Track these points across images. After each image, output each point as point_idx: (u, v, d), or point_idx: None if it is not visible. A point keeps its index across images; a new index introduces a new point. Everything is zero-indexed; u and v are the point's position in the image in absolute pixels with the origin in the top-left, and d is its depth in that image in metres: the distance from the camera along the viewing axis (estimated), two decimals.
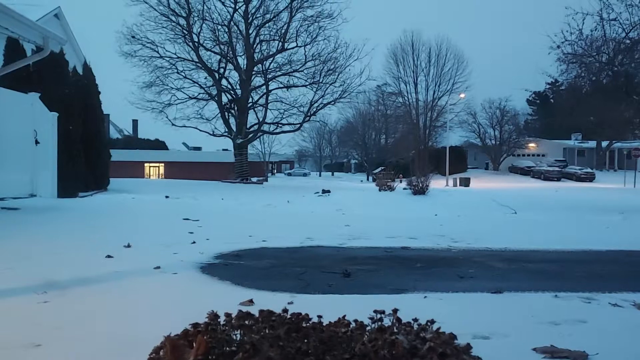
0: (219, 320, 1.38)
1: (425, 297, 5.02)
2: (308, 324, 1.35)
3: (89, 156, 18.07)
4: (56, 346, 3.37)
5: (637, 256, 8.04)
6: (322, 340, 1.27)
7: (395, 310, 1.42)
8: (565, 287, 5.46)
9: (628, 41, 17.31)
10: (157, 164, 47.94)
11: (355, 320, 1.40)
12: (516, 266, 6.98)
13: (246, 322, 1.36)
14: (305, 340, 1.25)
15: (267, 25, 34.96)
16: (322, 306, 4.02)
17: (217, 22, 34.52)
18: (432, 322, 1.38)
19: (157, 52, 33.48)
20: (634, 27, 17.04)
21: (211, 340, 1.23)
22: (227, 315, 1.40)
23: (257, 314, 1.39)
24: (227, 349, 1.23)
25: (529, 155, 60.40)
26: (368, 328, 1.38)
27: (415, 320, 1.39)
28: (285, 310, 1.47)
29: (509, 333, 3.94)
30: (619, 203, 20.21)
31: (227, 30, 34.44)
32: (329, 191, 25.25)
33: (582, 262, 7.47)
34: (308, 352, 1.23)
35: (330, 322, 1.40)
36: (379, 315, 1.40)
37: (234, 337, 1.31)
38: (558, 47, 18.44)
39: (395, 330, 1.29)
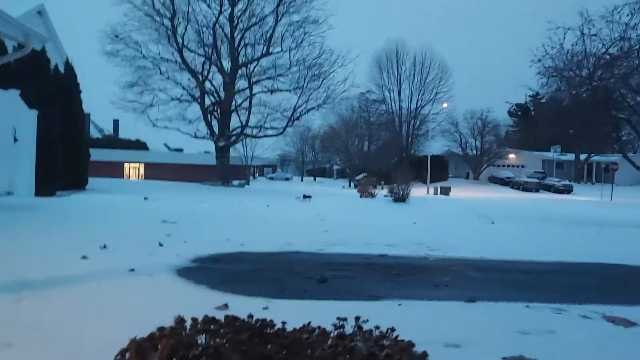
0: (185, 324, 1.40)
1: (399, 304, 5.06)
2: (271, 330, 1.38)
3: (68, 155, 17.86)
4: (28, 346, 3.34)
5: (610, 269, 8.18)
6: (284, 346, 1.29)
7: (357, 318, 1.45)
8: (538, 298, 5.55)
9: (608, 56, 17.65)
10: (137, 165, 47.48)
11: (319, 327, 1.43)
12: (491, 276, 7.06)
13: (211, 326, 1.38)
14: (268, 346, 1.27)
15: (252, 28, 34.95)
16: (296, 311, 4.03)
17: (202, 24, 34.43)
18: (393, 330, 1.41)
19: (141, 52, 33.25)
20: (613, 43, 17.39)
21: (176, 344, 1.24)
22: (194, 319, 1.41)
23: (223, 319, 1.41)
24: (191, 352, 1.25)
25: (508, 166, 61.10)
26: (331, 335, 1.40)
27: (377, 327, 1.42)
28: (250, 316, 1.49)
29: (479, 342, 3.99)
30: (595, 216, 20.53)
31: (212, 32, 34.34)
32: (309, 196, 25.24)
33: (555, 274, 7.59)
34: (270, 357, 1.25)
35: (294, 328, 1.42)
36: (341, 322, 1.43)
37: (199, 341, 1.33)
38: (539, 60, 18.75)
39: (356, 337, 1.32)
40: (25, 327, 3.72)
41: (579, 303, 5.40)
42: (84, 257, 6.56)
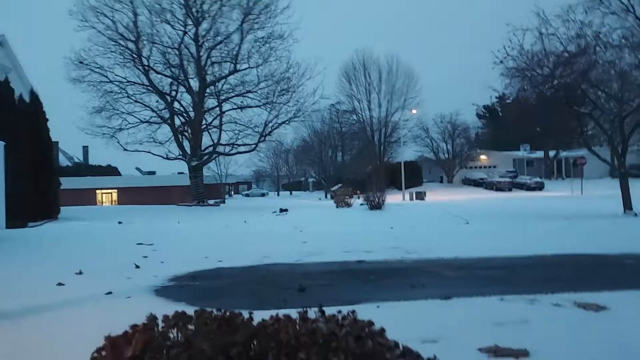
0: (157, 321, 1.46)
1: (377, 307, 5.14)
2: (239, 320, 1.44)
3: (37, 185, 17.60)
4: None
5: (580, 259, 8.40)
6: (251, 333, 1.36)
7: (320, 305, 1.52)
8: (511, 291, 5.69)
9: (566, 54, 18.19)
10: (109, 191, 46.87)
11: (285, 315, 1.50)
12: (465, 274, 7.21)
13: (181, 320, 1.44)
14: (236, 334, 1.34)
15: (218, 47, 34.96)
16: None
17: (167, 45, 34.29)
18: (354, 312, 1.49)
19: (106, 76, 32.98)
20: (571, 41, 17.94)
21: (149, 338, 1.30)
22: (165, 316, 1.47)
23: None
24: (164, 344, 1.31)
25: (481, 167, 62.03)
26: (297, 321, 1.47)
27: (339, 312, 1.50)
28: (218, 309, 1.56)
29: (456, 336, 4.10)
30: (565, 210, 20.99)
31: (177, 53, 34.26)
32: (286, 210, 25.29)
33: (528, 267, 7.77)
34: (236, 343, 1.31)
35: (262, 319, 1.49)
36: (304, 309, 1.51)
37: (171, 335, 1.39)
38: (501, 62, 19.18)
39: (319, 320, 1.39)
40: (2, 356, 3.70)
41: (551, 292, 5.56)
42: (60, 284, 6.50)
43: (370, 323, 1.44)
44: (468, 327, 4.39)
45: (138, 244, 11.12)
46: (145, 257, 9.15)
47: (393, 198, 32.25)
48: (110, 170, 54.18)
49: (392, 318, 4.93)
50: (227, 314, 1.47)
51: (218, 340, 1.30)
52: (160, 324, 1.45)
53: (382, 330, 1.45)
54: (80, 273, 7.34)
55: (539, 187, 46.92)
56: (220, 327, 1.39)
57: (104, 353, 1.33)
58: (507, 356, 3.64)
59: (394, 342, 1.46)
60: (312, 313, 1.39)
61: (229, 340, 1.30)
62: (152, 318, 1.46)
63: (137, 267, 7.97)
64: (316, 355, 1.22)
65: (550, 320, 4.54)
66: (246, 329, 1.36)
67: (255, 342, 1.32)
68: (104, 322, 4.84)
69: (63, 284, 6.51)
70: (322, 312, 1.46)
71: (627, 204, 18.07)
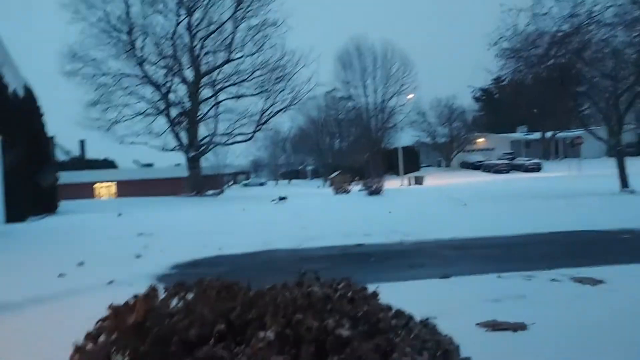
0: (157, 292, 1.51)
1: (377, 287, 5.19)
2: (237, 288, 1.49)
3: (36, 180, 17.61)
4: None
5: (577, 236, 8.48)
6: (249, 300, 1.41)
7: (315, 272, 1.57)
8: (508, 268, 5.75)
9: (560, 33, 18.16)
10: (108, 184, 46.93)
11: (281, 283, 1.55)
12: (463, 253, 7.28)
13: (182, 290, 1.49)
14: (235, 300, 1.39)
15: (211, 36, 34.74)
16: None
17: (160, 35, 34.06)
18: (348, 279, 1.54)
19: (100, 69, 32.87)
20: (564, 20, 17.90)
21: (150, 306, 1.35)
22: (166, 287, 1.52)
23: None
24: (165, 310, 1.36)
25: (478, 150, 62.10)
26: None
27: (334, 279, 1.55)
28: (217, 279, 1.61)
29: (454, 312, 4.15)
30: (563, 189, 21.05)
31: (171, 43, 34.09)
32: (285, 198, 25.32)
33: (525, 245, 7.85)
34: (234, 308, 1.36)
35: (259, 288, 1.54)
36: (300, 277, 1.55)
37: (172, 304, 1.44)
38: (496, 43, 19.14)
39: (314, 285, 1.44)
40: (4, 346, 3.76)
41: (548, 269, 5.62)
42: (61, 275, 6.54)
43: (364, 288, 1.49)
44: (466, 303, 4.45)
45: (139, 234, 11.17)
46: (146, 246, 9.20)
47: (391, 183, 32.34)
48: (108, 164, 54.21)
49: (392, 297, 4.99)
50: (226, 282, 1.52)
51: (218, 306, 1.35)
52: (161, 295, 1.50)
53: (375, 293, 1.50)
54: (82, 264, 7.38)
55: (537, 168, 47.03)
56: (220, 294, 1.44)
57: (106, 322, 1.38)
58: (505, 330, 3.70)
59: (386, 305, 1.50)
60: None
61: (228, 305, 1.35)
62: (153, 289, 1.51)
63: (139, 256, 8.03)
64: (312, 317, 1.26)
65: (547, 295, 4.61)
66: (245, 296, 1.41)
67: (253, 307, 1.37)
68: (105, 310, 4.91)
69: (64, 275, 6.56)
70: (317, 278, 1.50)
71: (624, 182, 18.16)
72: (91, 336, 1.39)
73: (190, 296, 1.47)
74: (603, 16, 17.22)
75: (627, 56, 18.19)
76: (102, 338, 1.40)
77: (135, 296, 1.44)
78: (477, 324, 3.80)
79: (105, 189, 47.21)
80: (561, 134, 54.73)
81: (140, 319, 1.34)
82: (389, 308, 1.49)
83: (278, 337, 1.17)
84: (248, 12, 34.08)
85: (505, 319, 3.85)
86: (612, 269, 5.48)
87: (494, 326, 3.79)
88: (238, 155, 57.28)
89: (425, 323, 1.50)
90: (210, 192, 36.73)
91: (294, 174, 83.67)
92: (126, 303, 1.40)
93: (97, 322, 1.40)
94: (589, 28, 17.42)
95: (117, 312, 1.36)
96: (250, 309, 1.37)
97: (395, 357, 1.20)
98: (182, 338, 1.26)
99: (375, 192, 24.69)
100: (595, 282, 4.98)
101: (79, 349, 1.36)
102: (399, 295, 4.93)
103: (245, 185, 74.37)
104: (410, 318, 1.47)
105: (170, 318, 1.36)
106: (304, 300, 1.33)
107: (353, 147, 63.03)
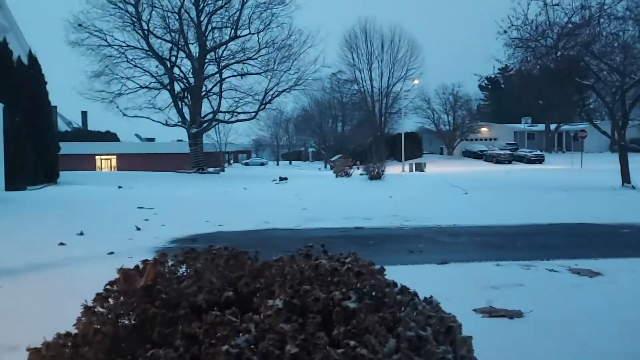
0: (167, 258, 1.52)
1: None
2: (245, 257, 1.51)
3: (37, 149, 17.61)
4: (5, 327, 3.42)
5: (576, 228, 8.49)
6: (257, 269, 1.42)
7: (322, 245, 1.58)
8: (507, 257, 5.78)
9: (570, 25, 18.02)
10: (109, 157, 46.92)
11: (288, 255, 1.56)
12: (463, 240, 7.30)
13: (191, 257, 1.51)
14: (243, 269, 1.40)
15: (218, 12, 34.49)
16: None
17: (167, 9, 33.80)
18: (354, 253, 1.55)
19: (106, 40, 32.60)
20: (575, 12, 17.76)
21: (159, 271, 1.37)
22: (175, 255, 1.54)
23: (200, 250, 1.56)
24: (174, 276, 1.37)
25: (481, 139, 61.91)
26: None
27: (341, 254, 1.56)
28: (225, 248, 1.62)
29: (451, 298, 4.14)
30: (564, 182, 21.05)
31: (177, 17, 33.83)
32: (286, 178, 25.35)
33: (525, 235, 7.87)
34: (242, 276, 1.38)
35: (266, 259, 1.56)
36: (307, 248, 1.56)
37: (181, 270, 1.45)
38: (505, 32, 19.00)
39: (321, 258, 1.45)
40: (3, 310, 3.79)
41: (547, 259, 5.64)
42: (62, 244, 6.58)
43: (371, 263, 1.50)
44: (464, 290, 4.47)
45: (139, 207, 11.20)
46: (146, 220, 9.24)
47: (393, 169, 32.31)
48: (110, 136, 54.13)
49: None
50: (234, 251, 1.54)
51: (226, 274, 1.36)
52: (170, 262, 1.52)
53: (382, 269, 1.51)
54: (82, 234, 7.42)
55: (539, 160, 46.95)
56: (228, 261, 1.45)
57: (115, 286, 1.40)
58: (501, 316, 3.73)
59: (392, 280, 1.52)
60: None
61: (236, 274, 1.37)
62: (163, 254, 1.52)
63: (139, 229, 8.06)
64: (319, 288, 1.28)
65: (545, 285, 4.63)
66: (252, 266, 1.43)
67: (261, 277, 1.39)
68: (107, 278, 4.94)
69: (65, 244, 6.59)
70: (325, 252, 1.51)
71: (626, 178, 18.15)
72: (100, 297, 1.40)
73: (198, 264, 1.48)
74: (614, 9, 17.09)
75: (636, 51, 18.07)
76: (111, 300, 1.41)
77: (145, 260, 1.45)
78: (474, 310, 3.82)
79: (105, 162, 47.23)
80: (565, 127, 54.55)
81: (149, 282, 1.35)
82: (395, 284, 1.50)
83: (286, 306, 1.18)
84: None
85: (502, 306, 3.88)
86: (610, 262, 5.51)
87: (491, 312, 3.81)
88: (240, 134, 57.14)
89: (430, 300, 1.51)
90: (211, 169, 36.75)
91: (295, 156, 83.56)
92: (136, 267, 1.42)
93: (106, 285, 1.41)
94: (600, 21, 17.29)
95: (127, 276, 1.38)
96: (258, 279, 1.38)
97: (400, 331, 1.22)
98: (191, 302, 1.28)
99: (376, 176, 24.69)
100: (593, 273, 5.01)
101: (88, 309, 1.38)
102: (396, 278, 4.95)
103: (246, 164, 74.33)
104: (415, 295, 1.49)
105: (179, 283, 1.37)
106: (311, 271, 1.35)
107: (356, 131, 62.86)
